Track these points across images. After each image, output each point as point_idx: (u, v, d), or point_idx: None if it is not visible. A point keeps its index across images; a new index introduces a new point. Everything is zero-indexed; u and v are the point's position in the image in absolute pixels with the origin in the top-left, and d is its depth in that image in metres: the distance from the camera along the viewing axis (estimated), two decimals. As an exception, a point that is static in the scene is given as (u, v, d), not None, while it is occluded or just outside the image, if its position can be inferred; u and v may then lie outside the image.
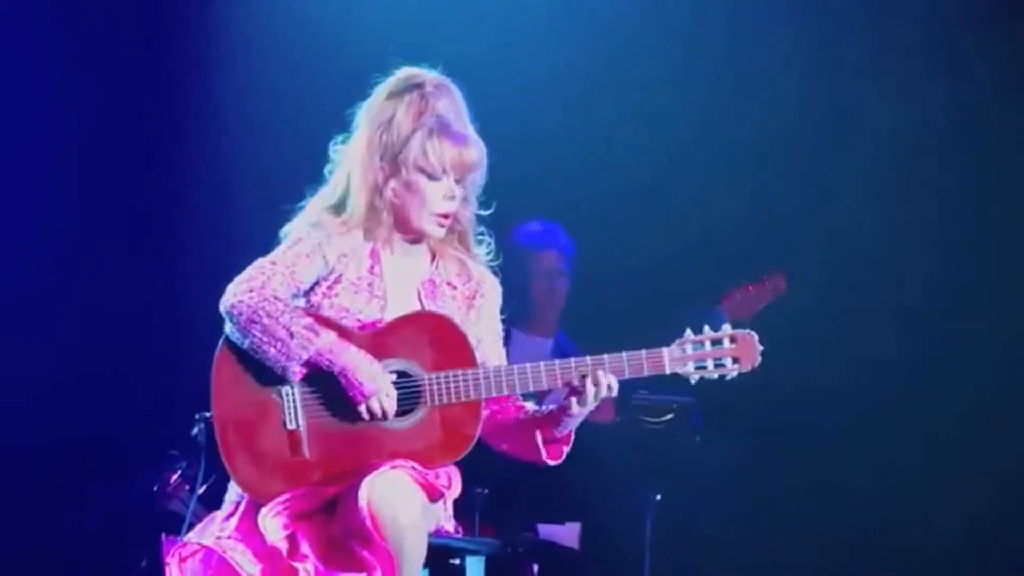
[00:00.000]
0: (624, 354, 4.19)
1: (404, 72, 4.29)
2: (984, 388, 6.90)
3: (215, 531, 4.14)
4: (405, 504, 4.00)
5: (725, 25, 7.13)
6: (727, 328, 4.26)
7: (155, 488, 6.28)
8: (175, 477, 6.28)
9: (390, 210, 4.25)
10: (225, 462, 4.09)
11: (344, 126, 4.32)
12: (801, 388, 6.92)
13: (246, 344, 4.10)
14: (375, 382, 4.10)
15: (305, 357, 4.07)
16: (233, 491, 4.23)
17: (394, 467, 4.04)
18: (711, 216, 7.10)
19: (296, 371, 4.10)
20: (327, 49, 6.97)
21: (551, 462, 4.27)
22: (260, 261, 4.17)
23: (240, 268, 4.19)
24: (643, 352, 4.19)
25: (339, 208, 4.25)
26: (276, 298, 4.11)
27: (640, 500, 6.33)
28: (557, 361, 4.19)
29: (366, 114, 4.27)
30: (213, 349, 4.17)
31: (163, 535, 4.73)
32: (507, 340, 4.57)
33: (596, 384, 4.14)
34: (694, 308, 6.51)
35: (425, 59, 4.34)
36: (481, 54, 6.39)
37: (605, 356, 4.18)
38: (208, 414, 4.12)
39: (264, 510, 4.07)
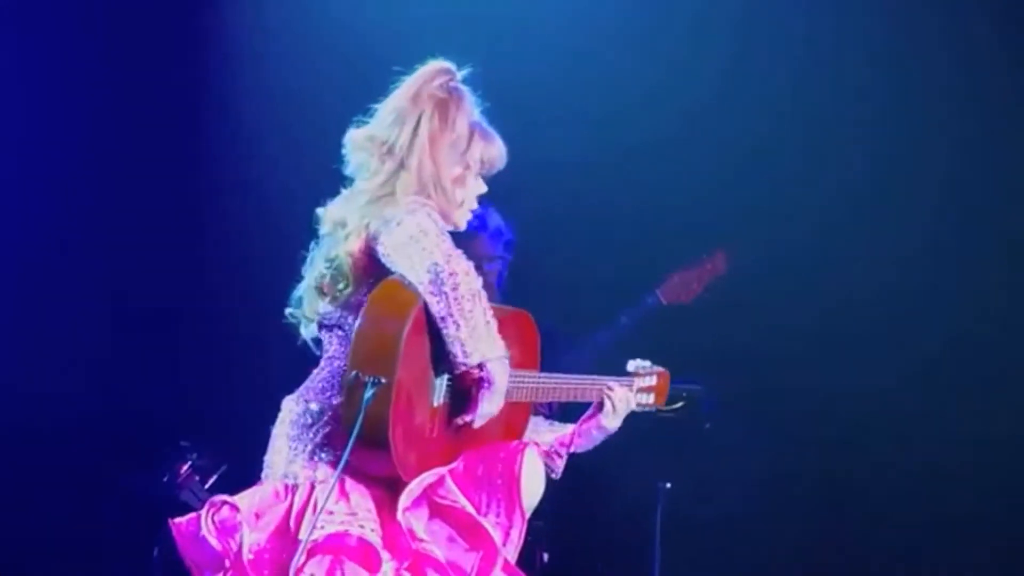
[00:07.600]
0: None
1: (440, 65, 4.23)
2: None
3: (337, 516, 4.04)
4: (541, 480, 4.23)
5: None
6: (650, 365, 4.57)
7: (165, 479, 6.29)
8: (185, 467, 6.29)
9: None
10: (390, 429, 3.96)
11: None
12: (815, 379, 6.93)
13: (443, 311, 3.98)
14: (494, 411, 4.13)
15: (481, 359, 4.02)
16: (282, 476, 4.13)
17: (528, 446, 4.22)
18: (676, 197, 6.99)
19: (461, 365, 4.02)
20: (341, 43, 6.98)
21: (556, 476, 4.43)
22: (441, 239, 4.02)
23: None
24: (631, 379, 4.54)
25: (427, 196, 4.16)
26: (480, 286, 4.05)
27: (650, 488, 6.34)
28: (594, 377, 4.46)
29: (419, 106, 4.16)
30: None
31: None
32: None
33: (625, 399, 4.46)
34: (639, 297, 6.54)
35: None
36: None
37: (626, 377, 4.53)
38: (381, 379, 3.94)
39: (409, 489, 4.05)
